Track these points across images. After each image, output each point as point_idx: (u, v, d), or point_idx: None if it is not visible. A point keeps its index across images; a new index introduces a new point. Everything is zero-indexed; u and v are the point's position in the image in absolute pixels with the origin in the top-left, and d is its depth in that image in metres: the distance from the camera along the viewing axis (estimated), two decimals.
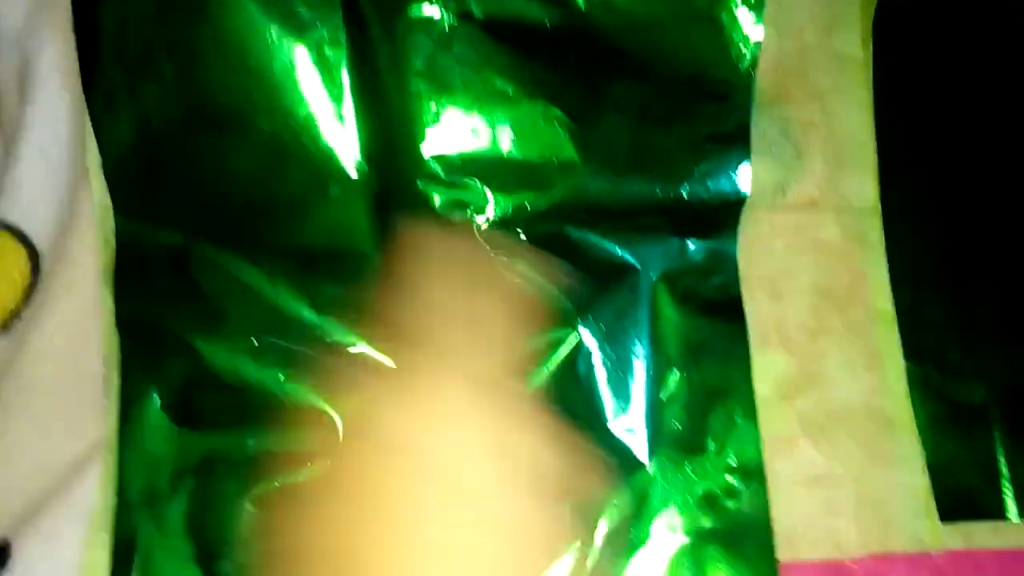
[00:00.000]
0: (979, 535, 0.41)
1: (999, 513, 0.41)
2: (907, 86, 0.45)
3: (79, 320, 0.41)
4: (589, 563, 0.39)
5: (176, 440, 0.40)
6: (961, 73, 0.46)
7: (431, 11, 0.43)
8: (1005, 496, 0.41)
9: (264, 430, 0.40)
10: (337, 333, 0.41)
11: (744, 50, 0.44)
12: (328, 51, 0.42)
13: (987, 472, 0.41)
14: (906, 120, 0.45)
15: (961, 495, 0.41)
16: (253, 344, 0.41)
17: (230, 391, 0.41)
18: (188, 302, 0.42)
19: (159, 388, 0.41)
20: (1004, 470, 0.41)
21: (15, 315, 0.40)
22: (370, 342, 0.41)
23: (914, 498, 0.41)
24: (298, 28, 0.42)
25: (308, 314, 0.42)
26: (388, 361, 0.41)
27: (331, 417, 0.40)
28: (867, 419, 0.41)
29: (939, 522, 0.40)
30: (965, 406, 0.42)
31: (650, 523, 0.40)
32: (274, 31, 0.42)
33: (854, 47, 0.45)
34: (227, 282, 0.42)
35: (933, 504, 0.40)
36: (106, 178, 0.42)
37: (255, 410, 0.41)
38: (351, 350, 0.41)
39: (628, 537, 0.40)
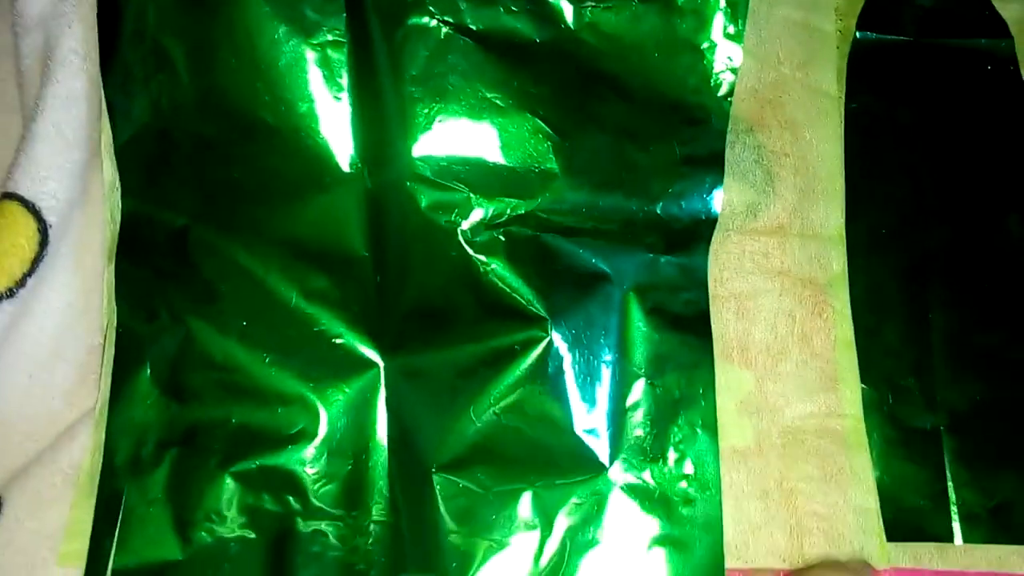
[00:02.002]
0: (926, 556, 0.42)
1: (946, 536, 0.42)
2: (876, 124, 0.47)
3: (82, 292, 0.44)
4: (545, 554, 0.41)
5: (163, 411, 0.42)
6: (928, 113, 0.47)
7: (429, 21, 0.45)
8: (952, 520, 0.42)
9: (247, 409, 0.42)
10: (323, 323, 0.43)
11: (722, 78, 0.45)
12: (331, 52, 0.44)
13: (936, 496, 0.42)
14: (873, 156, 0.46)
15: (909, 517, 0.42)
16: (242, 326, 0.43)
17: (217, 369, 0.42)
18: (185, 282, 0.43)
19: (151, 361, 0.42)
20: (952, 495, 0.42)
21: (21, 282, 0.42)
22: (355, 334, 0.43)
23: (863, 518, 0.42)
24: (305, 29, 0.44)
25: (297, 301, 0.43)
26: (372, 355, 0.43)
27: (313, 403, 0.42)
28: (821, 438, 0.43)
29: (886, 542, 0.42)
30: (917, 431, 0.43)
31: (606, 524, 0.42)
32: (282, 31, 0.44)
33: (829, 84, 0.47)
34: (223, 265, 0.43)
35: (881, 524, 0.42)
36: (116, 158, 0.44)
37: (240, 389, 0.42)
38: (335, 341, 0.43)
39: (585, 535, 0.41)
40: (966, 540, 0.42)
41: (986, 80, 0.47)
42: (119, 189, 0.44)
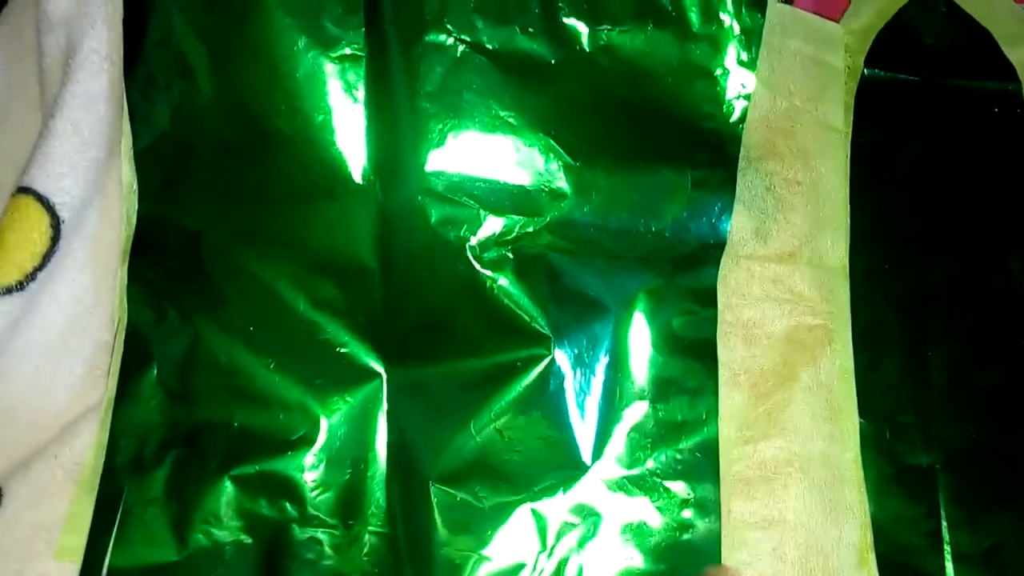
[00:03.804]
0: None
1: None
2: (881, 160, 0.47)
3: (91, 288, 0.44)
4: (539, 571, 0.41)
5: (167, 412, 0.42)
6: (932, 151, 0.47)
7: (446, 39, 0.45)
8: (945, 560, 0.42)
9: (249, 413, 0.42)
10: (328, 331, 0.43)
11: (735, 104, 0.46)
12: (349, 66, 0.45)
13: (929, 535, 0.42)
14: (876, 191, 0.47)
15: (903, 555, 0.42)
16: (249, 331, 0.43)
17: (222, 373, 0.43)
18: (195, 285, 0.44)
19: (158, 361, 0.43)
20: (945, 535, 0.42)
21: (31, 276, 0.42)
22: (359, 344, 0.43)
23: (857, 553, 0.41)
24: (324, 42, 0.45)
25: (304, 309, 0.43)
26: (376, 365, 0.43)
27: (314, 411, 0.42)
28: (823, 469, 0.43)
29: None
30: (913, 468, 0.43)
31: (603, 545, 0.42)
32: (302, 42, 0.45)
33: (837, 119, 0.47)
34: (233, 270, 0.44)
35: (874, 560, 0.41)
36: (135, 162, 0.44)
37: (243, 393, 0.43)
38: (340, 350, 0.43)
39: (581, 556, 0.41)
40: None
41: (992, 121, 0.48)
42: (136, 191, 0.44)
